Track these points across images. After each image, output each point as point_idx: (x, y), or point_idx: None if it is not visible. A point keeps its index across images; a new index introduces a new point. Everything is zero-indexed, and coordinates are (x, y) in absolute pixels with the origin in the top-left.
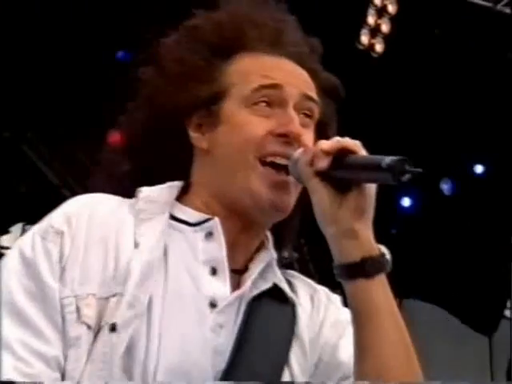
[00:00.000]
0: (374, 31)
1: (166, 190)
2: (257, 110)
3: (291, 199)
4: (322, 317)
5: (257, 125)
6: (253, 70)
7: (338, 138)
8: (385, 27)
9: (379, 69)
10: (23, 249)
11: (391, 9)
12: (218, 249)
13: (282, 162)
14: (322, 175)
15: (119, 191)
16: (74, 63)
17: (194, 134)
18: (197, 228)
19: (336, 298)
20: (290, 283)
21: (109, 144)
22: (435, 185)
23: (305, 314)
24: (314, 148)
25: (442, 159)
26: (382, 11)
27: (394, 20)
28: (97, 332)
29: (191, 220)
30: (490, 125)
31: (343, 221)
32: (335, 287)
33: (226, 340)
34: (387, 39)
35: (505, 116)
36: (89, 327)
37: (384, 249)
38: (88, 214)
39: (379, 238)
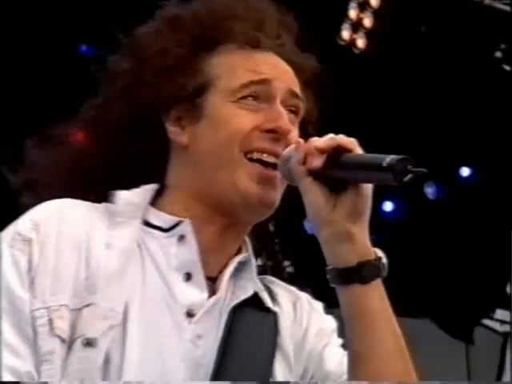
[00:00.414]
0: (356, 26)
1: (142, 193)
2: (243, 104)
3: (278, 195)
4: (306, 325)
5: (243, 119)
6: (239, 63)
7: (332, 136)
8: (367, 22)
9: (361, 66)
10: None
11: (374, 2)
12: (191, 252)
13: (270, 159)
14: (316, 174)
15: (85, 196)
16: (33, 58)
17: (172, 128)
18: (169, 233)
19: (318, 305)
20: (270, 291)
21: (71, 143)
22: (419, 188)
23: (287, 323)
24: (307, 145)
25: (426, 161)
26: (364, 5)
27: (377, 14)
28: (70, 345)
29: (164, 225)
30: (477, 125)
31: (338, 223)
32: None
33: (206, 351)
34: (370, 34)
35: (492, 116)
36: (62, 340)
37: (380, 252)
38: (57, 220)
39: None
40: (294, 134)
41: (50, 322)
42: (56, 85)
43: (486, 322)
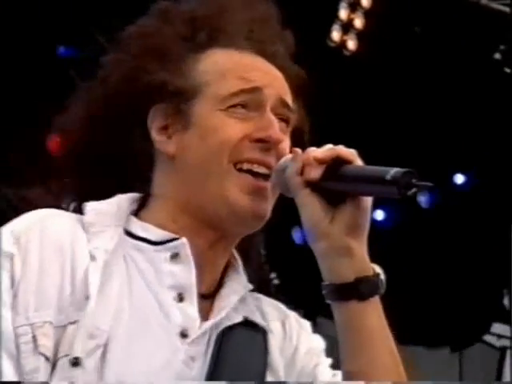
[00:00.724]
0: (347, 27)
1: (116, 202)
2: (233, 113)
3: (269, 207)
4: (296, 343)
5: (233, 128)
6: (229, 69)
7: (331, 146)
8: (358, 22)
9: (352, 68)
10: None
11: (365, 2)
12: (187, 273)
13: (260, 170)
14: (313, 186)
15: (63, 206)
16: (9, 58)
17: (158, 137)
18: (160, 247)
19: (306, 324)
20: (259, 309)
21: (48, 149)
22: (411, 196)
23: (277, 341)
24: (305, 155)
25: (419, 167)
26: (355, 5)
27: (368, 14)
28: (54, 363)
29: (153, 238)
30: (472, 130)
31: (336, 236)
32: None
33: (199, 373)
34: (361, 36)
35: (488, 121)
36: (46, 359)
37: (378, 268)
38: (39, 232)
39: None
40: (286, 143)
41: (34, 339)
42: (32, 87)
43: (483, 336)
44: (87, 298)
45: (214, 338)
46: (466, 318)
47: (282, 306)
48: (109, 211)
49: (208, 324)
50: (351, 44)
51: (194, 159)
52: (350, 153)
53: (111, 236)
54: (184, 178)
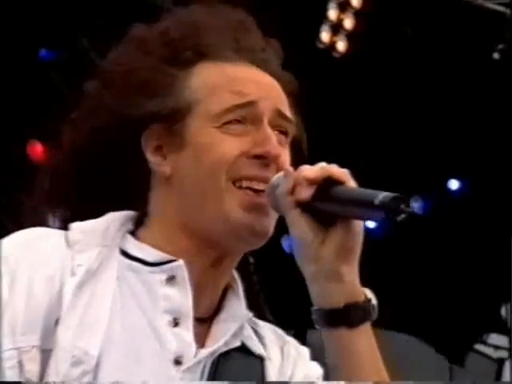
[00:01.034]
0: (336, 27)
1: (105, 222)
2: (228, 129)
3: (271, 222)
4: (291, 372)
5: (229, 145)
6: (220, 83)
7: (323, 165)
8: (348, 23)
9: (341, 70)
10: None
11: (355, 2)
12: (183, 297)
13: (260, 187)
14: (304, 206)
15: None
16: None
17: (153, 158)
18: (155, 269)
19: (305, 352)
20: (256, 333)
21: (29, 156)
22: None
23: (274, 370)
24: (296, 174)
25: (412, 174)
26: (344, 5)
27: (358, 15)
28: None
29: (148, 258)
30: (468, 134)
31: (326, 260)
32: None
33: None
34: (351, 37)
35: (484, 124)
36: None
37: (370, 293)
38: (29, 252)
39: None
40: (285, 157)
41: (20, 364)
42: (14, 90)
43: (480, 347)
44: (75, 319)
45: (209, 364)
46: (462, 327)
47: (281, 332)
48: (95, 230)
49: (204, 352)
50: (341, 45)
51: (190, 179)
52: (342, 173)
53: (96, 255)
54: (181, 198)
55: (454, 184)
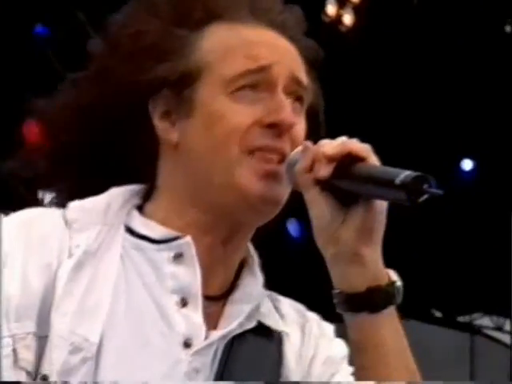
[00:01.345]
0: (342, 0)
1: (105, 199)
2: (240, 97)
3: (285, 191)
4: (313, 352)
5: (241, 113)
6: (233, 46)
7: (343, 140)
8: None
9: (348, 44)
10: None
11: None
12: (191, 275)
13: (273, 157)
14: (323, 184)
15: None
16: None
17: (160, 124)
18: (161, 246)
19: (329, 329)
20: (277, 309)
21: (24, 137)
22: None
23: (293, 350)
24: (315, 149)
25: (425, 154)
26: None
27: None
28: (35, 378)
29: (154, 235)
30: (480, 112)
31: (347, 242)
32: None
33: None
34: (358, 10)
35: (496, 100)
36: (28, 373)
37: (394, 275)
38: (24, 233)
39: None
40: (300, 125)
41: (15, 352)
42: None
43: (494, 334)
44: (74, 303)
45: (221, 347)
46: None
47: (303, 309)
48: (96, 207)
49: (216, 334)
50: (347, 19)
51: (198, 148)
52: (364, 149)
53: (96, 235)
54: (190, 167)
55: (467, 164)
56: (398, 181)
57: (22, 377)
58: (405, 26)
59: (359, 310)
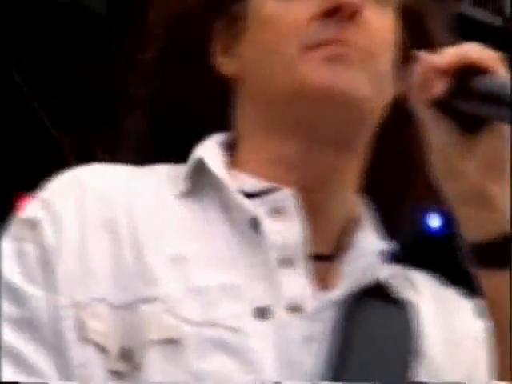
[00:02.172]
0: None
1: (214, 150)
2: None
3: (361, 80)
4: (460, 330)
5: (294, 12)
6: None
7: (460, 48)
8: None
9: None
10: None
11: None
12: (294, 231)
13: (340, 50)
14: (441, 104)
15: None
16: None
17: (221, 59)
18: (256, 201)
19: (470, 305)
20: (403, 275)
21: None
22: None
23: (429, 320)
24: (425, 62)
25: None
26: None
27: None
28: (128, 357)
29: (249, 189)
30: None
31: (472, 178)
32: None
33: (317, 361)
34: None
35: None
36: (101, 349)
37: None
38: (78, 189)
39: None
40: (375, 15)
41: (80, 322)
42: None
43: None
44: (168, 267)
45: (333, 311)
46: None
47: (436, 279)
48: (211, 166)
49: (327, 297)
50: None
51: (258, 56)
52: (487, 57)
53: (214, 201)
54: (254, 89)
55: None
56: None
57: (91, 352)
58: None
59: (489, 264)
